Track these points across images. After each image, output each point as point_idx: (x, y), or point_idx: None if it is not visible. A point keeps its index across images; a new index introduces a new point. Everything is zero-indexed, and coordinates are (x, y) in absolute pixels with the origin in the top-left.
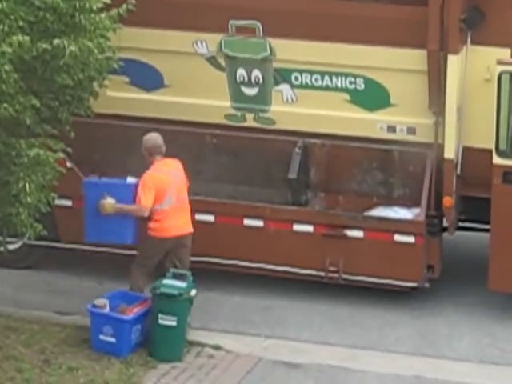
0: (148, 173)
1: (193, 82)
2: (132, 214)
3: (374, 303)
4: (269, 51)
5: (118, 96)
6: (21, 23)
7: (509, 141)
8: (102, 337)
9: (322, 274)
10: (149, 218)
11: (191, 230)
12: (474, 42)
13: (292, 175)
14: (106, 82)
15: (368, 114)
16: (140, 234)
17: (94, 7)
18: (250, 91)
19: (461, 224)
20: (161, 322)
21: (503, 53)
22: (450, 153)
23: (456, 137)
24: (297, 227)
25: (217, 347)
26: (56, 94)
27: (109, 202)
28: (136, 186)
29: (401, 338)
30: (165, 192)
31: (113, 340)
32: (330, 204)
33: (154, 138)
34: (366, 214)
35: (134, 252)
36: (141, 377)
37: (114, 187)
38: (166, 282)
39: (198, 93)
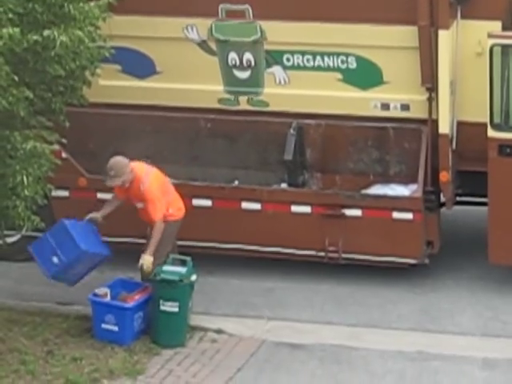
0: (148, 183)
1: (185, 67)
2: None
3: (374, 281)
4: (259, 34)
5: (110, 84)
6: (10, 15)
7: (503, 114)
8: (104, 326)
9: (322, 254)
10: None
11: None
12: (464, 17)
13: (288, 157)
14: (99, 71)
15: (361, 93)
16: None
17: None
18: (243, 74)
19: (458, 199)
20: (162, 308)
21: (494, 26)
22: (444, 128)
23: (450, 112)
24: (295, 208)
25: (219, 331)
26: (49, 85)
27: (146, 259)
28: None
29: (403, 315)
30: (165, 182)
31: (115, 328)
32: (327, 184)
33: (120, 158)
34: (364, 192)
35: (129, 240)
36: (145, 364)
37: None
38: (166, 268)
39: (191, 78)
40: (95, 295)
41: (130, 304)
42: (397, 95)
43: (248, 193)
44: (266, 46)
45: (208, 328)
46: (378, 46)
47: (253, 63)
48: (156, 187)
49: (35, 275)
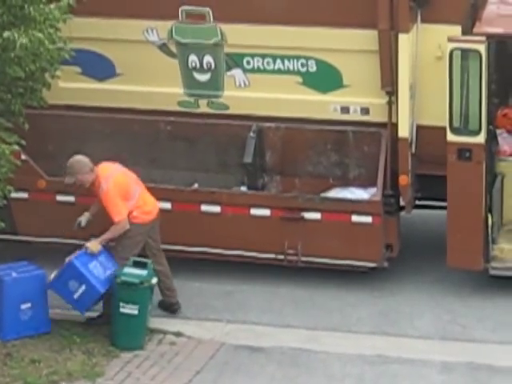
0: (106, 187)
1: (145, 69)
2: (117, 234)
3: (333, 285)
4: (220, 36)
5: (70, 87)
6: None
7: (462, 118)
8: (76, 295)
9: (281, 257)
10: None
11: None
12: (424, 20)
13: (247, 159)
14: (58, 73)
15: (321, 96)
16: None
17: None
18: (203, 77)
19: (417, 202)
20: (122, 310)
21: (454, 30)
22: (404, 132)
23: (409, 115)
24: (254, 211)
25: (178, 334)
26: (8, 87)
27: (92, 243)
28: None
29: (362, 318)
30: (128, 188)
31: (83, 288)
32: (287, 187)
33: (79, 157)
34: (323, 195)
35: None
36: (104, 366)
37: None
38: (126, 270)
39: (151, 80)
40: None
41: (73, 257)
42: (357, 99)
43: (207, 195)
44: (226, 49)
45: (167, 331)
46: (338, 49)
47: (213, 66)
48: (114, 193)
49: None
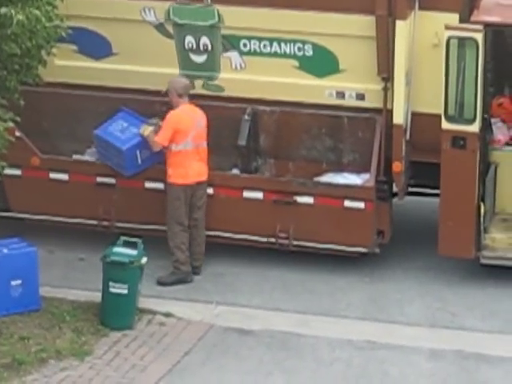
0: (174, 111)
1: (141, 49)
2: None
3: (324, 269)
4: (217, 18)
5: (66, 64)
6: None
7: (457, 106)
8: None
9: (273, 240)
10: (167, 163)
11: (206, 178)
12: (422, 8)
13: (241, 142)
14: (54, 51)
15: (317, 81)
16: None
17: None
18: (199, 58)
19: (410, 189)
20: (112, 290)
21: (451, 18)
22: (398, 118)
23: (405, 102)
24: (247, 194)
25: (168, 314)
26: (4, 63)
27: (149, 128)
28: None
29: (352, 304)
30: (185, 134)
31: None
32: (280, 171)
33: (184, 80)
34: (316, 180)
35: (80, 221)
36: (92, 345)
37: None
38: (116, 249)
39: (147, 60)
40: None
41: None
42: (352, 84)
43: None
44: (223, 31)
45: (157, 311)
46: (335, 34)
47: (209, 47)
48: (174, 119)
49: None
